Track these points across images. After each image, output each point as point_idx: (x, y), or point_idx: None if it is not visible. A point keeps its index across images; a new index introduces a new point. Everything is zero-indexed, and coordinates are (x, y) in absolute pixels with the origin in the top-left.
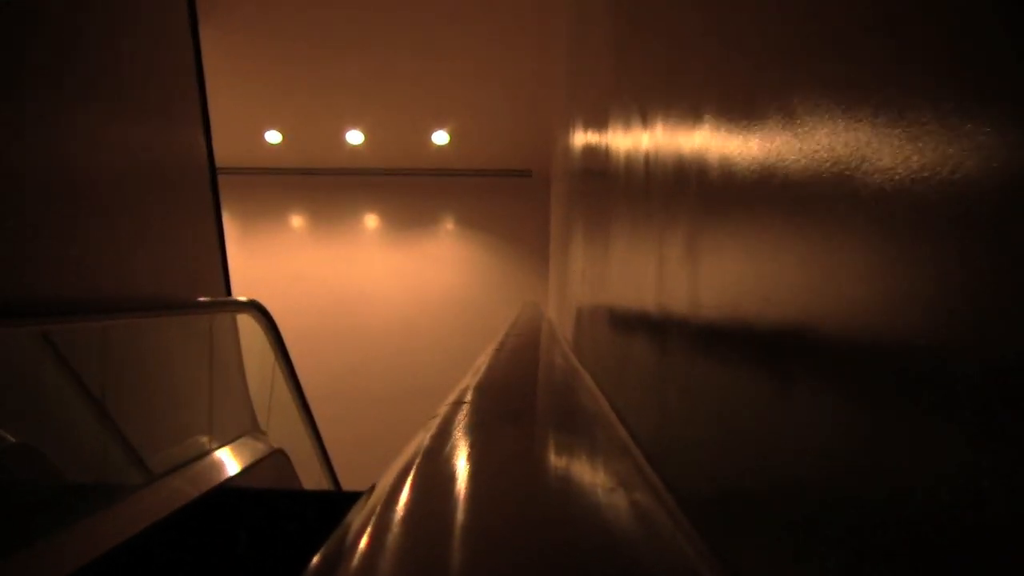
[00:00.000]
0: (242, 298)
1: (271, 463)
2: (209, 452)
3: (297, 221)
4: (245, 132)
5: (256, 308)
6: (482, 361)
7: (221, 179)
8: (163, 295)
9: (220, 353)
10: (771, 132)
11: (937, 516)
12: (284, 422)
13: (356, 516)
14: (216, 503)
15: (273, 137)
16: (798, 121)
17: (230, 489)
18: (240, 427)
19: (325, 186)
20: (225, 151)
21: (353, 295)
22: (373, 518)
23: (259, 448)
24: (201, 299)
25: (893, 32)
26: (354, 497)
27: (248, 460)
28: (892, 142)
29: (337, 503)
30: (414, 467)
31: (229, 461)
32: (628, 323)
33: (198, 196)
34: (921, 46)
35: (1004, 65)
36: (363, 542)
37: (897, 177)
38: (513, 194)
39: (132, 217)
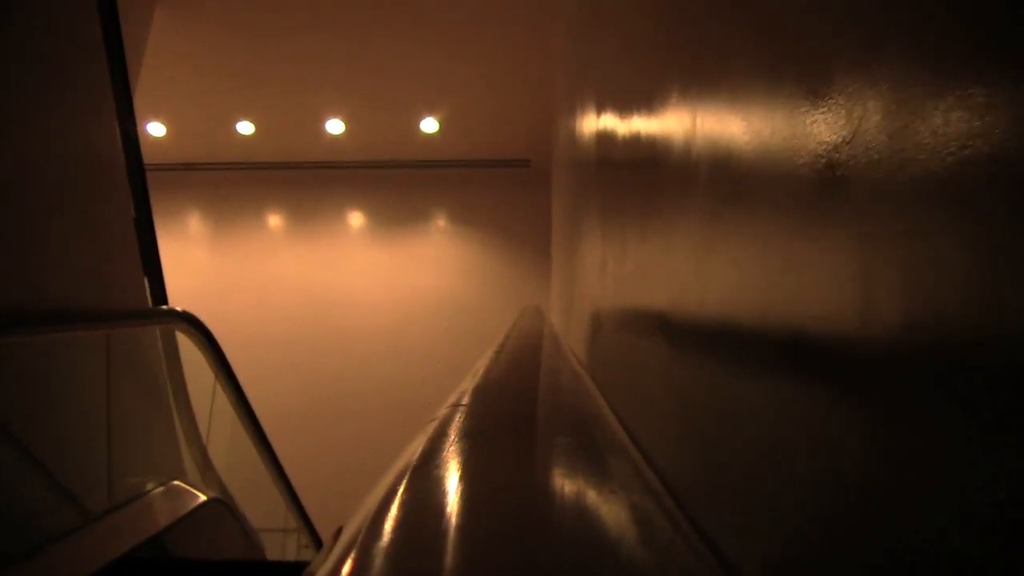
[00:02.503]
0: (175, 308)
1: (202, 517)
2: (112, 511)
3: (273, 219)
4: (214, 123)
5: (187, 320)
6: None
7: (188, 175)
8: (47, 306)
9: (139, 377)
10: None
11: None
12: (236, 459)
13: (348, 526)
14: None
15: (245, 128)
16: None
17: (134, 562)
18: (168, 471)
19: (303, 181)
20: (192, 144)
21: (335, 300)
22: (365, 525)
23: (188, 498)
24: (103, 310)
25: None
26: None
27: (170, 517)
28: None
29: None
30: (409, 472)
31: (141, 521)
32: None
33: (109, 194)
34: None
35: None
36: (350, 561)
37: None
38: (510, 186)
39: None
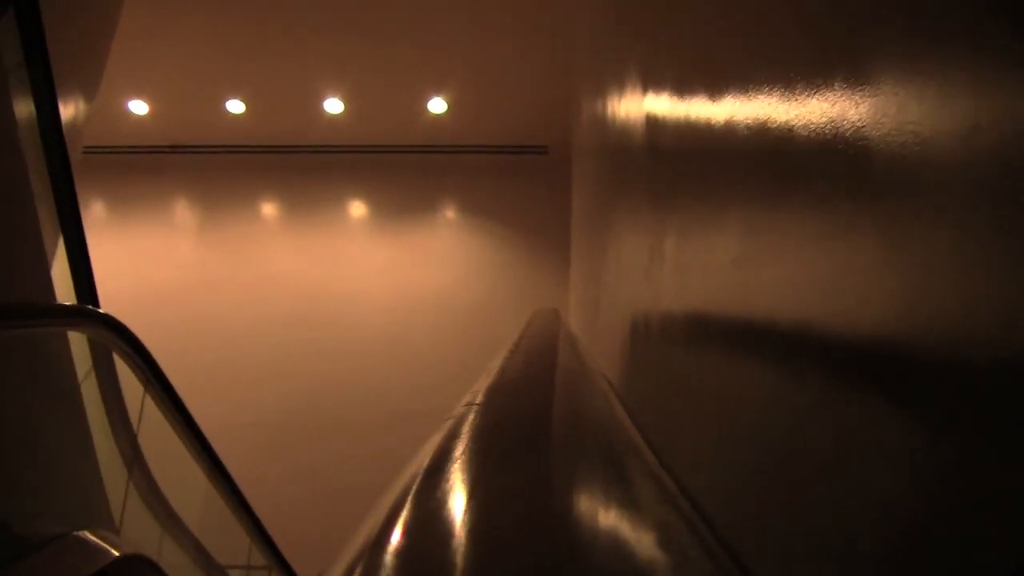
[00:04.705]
0: (86, 307)
1: None
2: None
3: (265, 208)
4: (201, 101)
5: (105, 324)
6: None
7: (173, 158)
8: None
9: (34, 395)
10: None
11: None
12: (188, 488)
13: (363, 526)
14: None
15: (235, 107)
16: None
17: None
18: (72, 516)
19: (298, 165)
20: (178, 124)
21: (332, 298)
22: (378, 526)
23: (92, 557)
24: None
25: None
26: None
27: None
28: None
29: None
30: (422, 473)
31: None
32: None
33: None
34: None
35: None
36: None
37: None
38: (525, 174)
39: None
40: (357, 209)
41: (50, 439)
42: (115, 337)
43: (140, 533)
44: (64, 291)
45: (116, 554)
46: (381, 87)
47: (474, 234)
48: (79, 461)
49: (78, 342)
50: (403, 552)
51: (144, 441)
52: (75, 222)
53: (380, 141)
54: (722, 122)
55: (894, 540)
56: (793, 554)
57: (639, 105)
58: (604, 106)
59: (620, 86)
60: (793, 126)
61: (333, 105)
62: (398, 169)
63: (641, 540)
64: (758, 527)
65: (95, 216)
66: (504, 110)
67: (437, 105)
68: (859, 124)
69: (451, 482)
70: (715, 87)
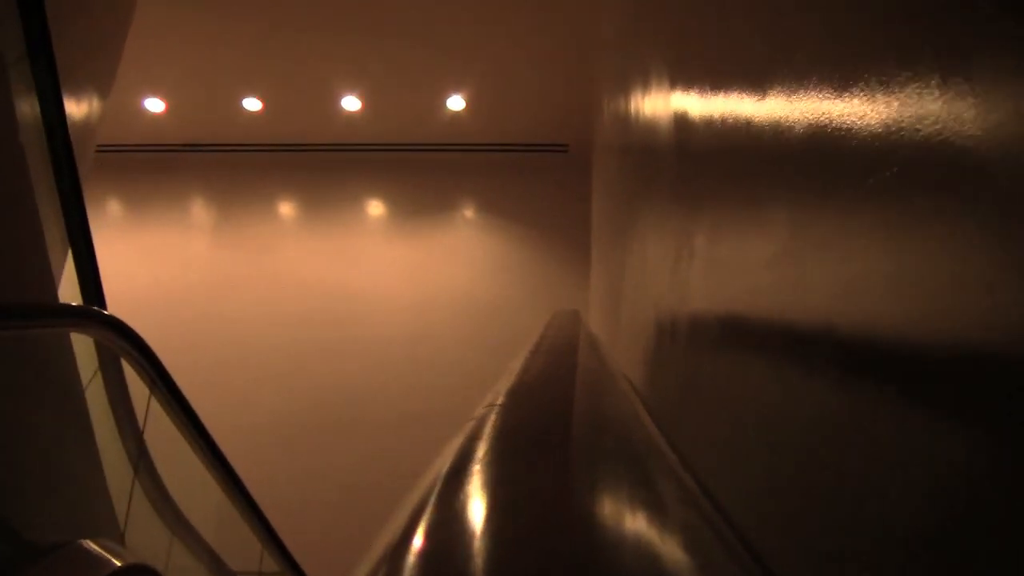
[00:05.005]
0: (87, 307)
1: None
2: None
3: (282, 207)
4: (217, 99)
5: (109, 325)
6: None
7: (189, 157)
8: None
9: (33, 397)
10: None
11: None
12: (200, 492)
13: (385, 529)
14: None
15: (252, 105)
16: None
17: None
18: (74, 526)
19: (315, 164)
20: (193, 122)
21: (349, 298)
22: (401, 527)
23: (94, 566)
24: None
25: None
26: None
27: None
28: None
29: None
30: (444, 476)
31: None
32: None
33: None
34: None
35: None
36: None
37: None
38: (545, 173)
39: None
40: (374, 208)
41: (52, 444)
42: (119, 339)
43: (147, 540)
44: (72, 293)
45: (117, 564)
46: (399, 85)
47: (492, 233)
48: (83, 467)
49: (85, 344)
50: (426, 554)
51: (153, 446)
52: (81, 221)
53: (398, 139)
54: (760, 118)
55: (914, 542)
56: (815, 556)
57: (666, 102)
58: (627, 103)
59: (644, 83)
60: (843, 122)
61: (350, 103)
62: (416, 167)
63: (665, 542)
64: (783, 530)
65: (110, 215)
66: (523, 108)
67: (455, 103)
68: (926, 122)
69: (473, 484)
70: (752, 82)
